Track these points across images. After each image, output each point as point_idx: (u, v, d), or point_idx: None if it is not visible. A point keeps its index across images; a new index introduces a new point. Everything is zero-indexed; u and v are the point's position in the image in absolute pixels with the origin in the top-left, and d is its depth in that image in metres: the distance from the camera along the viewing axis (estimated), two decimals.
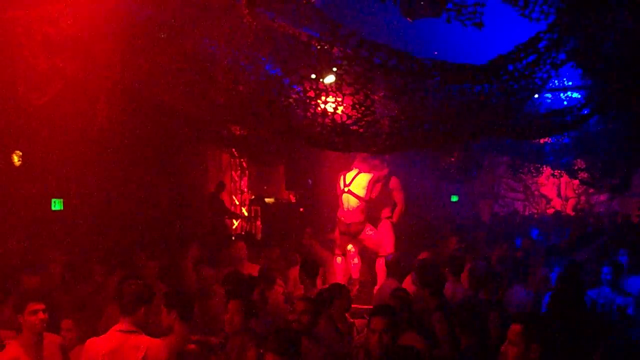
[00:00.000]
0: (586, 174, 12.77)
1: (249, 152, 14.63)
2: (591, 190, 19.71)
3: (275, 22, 5.91)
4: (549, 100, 8.55)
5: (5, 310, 6.35)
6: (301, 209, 15.97)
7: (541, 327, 4.34)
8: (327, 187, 11.50)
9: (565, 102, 8.38)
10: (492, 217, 18.59)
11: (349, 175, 10.09)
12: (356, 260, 10.03)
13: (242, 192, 17.44)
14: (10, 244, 9.09)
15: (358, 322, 7.44)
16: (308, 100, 6.46)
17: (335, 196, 10.36)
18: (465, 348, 5.12)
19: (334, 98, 6.43)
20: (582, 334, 5.39)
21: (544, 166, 13.23)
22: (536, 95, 7.51)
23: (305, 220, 14.14)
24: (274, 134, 8.86)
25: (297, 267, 8.15)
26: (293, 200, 16.97)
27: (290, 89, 6.42)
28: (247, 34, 5.97)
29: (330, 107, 6.57)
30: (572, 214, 19.17)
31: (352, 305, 7.15)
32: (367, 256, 10.20)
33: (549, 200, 21.15)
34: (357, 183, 9.94)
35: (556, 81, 8.21)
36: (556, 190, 21.01)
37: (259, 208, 16.75)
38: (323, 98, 6.42)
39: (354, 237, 9.96)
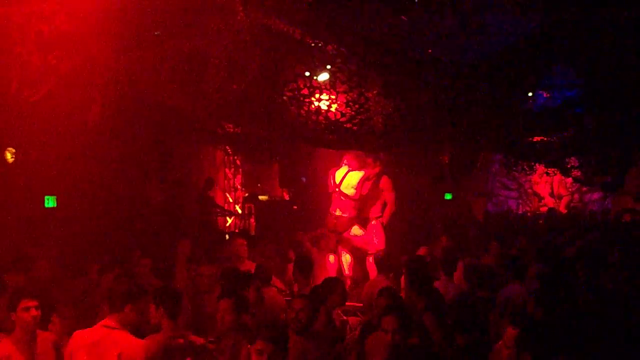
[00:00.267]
0: (579, 172, 12.78)
1: (243, 150, 14.62)
2: (584, 189, 19.74)
3: (270, 19, 5.90)
4: (542, 98, 8.56)
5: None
6: (295, 207, 15.97)
7: (535, 334, 4.37)
8: (321, 185, 11.49)
9: (559, 100, 8.40)
10: (485, 215, 18.58)
11: (339, 174, 10.04)
12: (348, 257, 10.03)
13: (236, 190, 17.42)
14: (3, 241, 9.05)
15: (351, 319, 7.45)
16: (302, 98, 6.48)
17: (328, 194, 10.34)
18: (460, 346, 5.13)
19: (328, 96, 6.45)
20: (571, 331, 5.40)
21: (537, 164, 13.23)
22: (530, 93, 7.53)
23: (299, 217, 14.15)
24: (267, 131, 8.86)
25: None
26: (287, 197, 16.97)
27: (284, 86, 6.42)
28: (241, 31, 5.97)
29: (324, 105, 6.58)
30: (565, 211, 19.20)
31: (346, 303, 7.15)
32: (359, 254, 10.19)
33: (541, 199, 21.17)
34: (347, 183, 9.90)
35: (550, 79, 8.22)
36: (549, 189, 21.03)
37: (252, 205, 16.73)
38: (317, 95, 6.43)
39: (340, 234, 9.95)
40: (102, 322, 4.88)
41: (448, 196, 20.40)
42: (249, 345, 4.33)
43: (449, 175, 13.95)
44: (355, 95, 6.38)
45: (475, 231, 12.89)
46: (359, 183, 9.84)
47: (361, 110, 6.52)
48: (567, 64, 6.84)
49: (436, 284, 7.32)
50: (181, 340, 4.37)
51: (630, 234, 11.64)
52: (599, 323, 5.58)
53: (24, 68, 6.66)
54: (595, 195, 19.95)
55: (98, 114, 7.61)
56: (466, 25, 6.05)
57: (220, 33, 6.20)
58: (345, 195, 9.84)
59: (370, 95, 6.49)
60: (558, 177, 18.30)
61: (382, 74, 6.34)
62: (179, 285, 7.44)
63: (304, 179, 15.63)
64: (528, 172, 14.25)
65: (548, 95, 8.47)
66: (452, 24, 6.17)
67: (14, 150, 9.94)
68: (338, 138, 7.17)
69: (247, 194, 17.14)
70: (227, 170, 17.35)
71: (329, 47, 6.09)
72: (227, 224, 16.85)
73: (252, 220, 16.68)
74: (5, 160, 9.87)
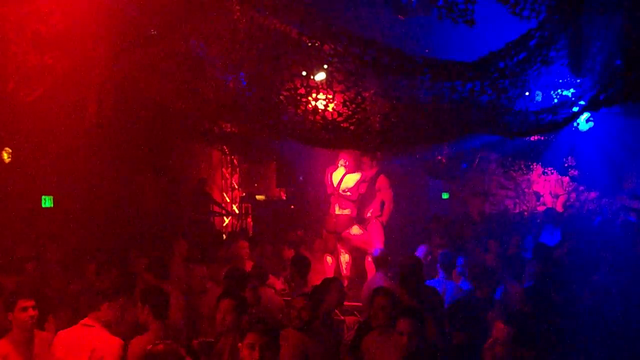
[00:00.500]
0: (576, 172, 12.81)
1: (240, 149, 14.61)
2: (581, 188, 19.76)
3: (266, 19, 5.90)
4: (539, 98, 8.55)
5: None
6: (292, 206, 15.96)
7: (530, 332, 4.38)
8: (318, 184, 11.48)
9: (555, 100, 8.39)
10: (480, 215, 18.56)
11: (336, 176, 10.01)
12: (347, 257, 10.02)
13: (233, 189, 17.42)
14: (0, 241, 9.04)
15: (348, 319, 7.45)
16: (299, 98, 6.47)
17: (326, 194, 10.31)
18: (457, 346, 5.13)
19: (325, 95, 6.44)
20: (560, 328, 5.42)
21: (534, 163, 13.27)
22: (527, 93, 7.52)
23: (296, 217, 14.14)
24: (264, 131, 8.85)
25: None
26: (284, 197, 16.96)
27: (281, 85, 6.42)
28: (238, 30, 5.97)
29: (321, 105, 6.57)
30: (562, 210, 19.21)
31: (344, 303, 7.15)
32: (357, 254, 10.18)
33: (539, 197, 21.16)
34: (344, 186, 9.88)
35: (547, 78, 8.21)
36: (549, 187, 21.04)
37: (249, 205, 16.73)
38: (314, 95, 6.43)
39: (340, 234, 9.93)
40: (82, 320, 5.11)
41: (445, 195, 20.44)
42: (239, 344, 4.28)
43: (446, 175, 13.96)
44: (352, 95, 6.38)
45: (472, 230, 12.89)
46: (355, 185, 9.83)
47: (358, 109, 6.51)
48: (566, 63, 6.83)
49: (434, 282, 7.34)
50: (161, 347, 4.31)
51: (626, 232, 11.63)
52: (591, 320, 5.61)
53: (21, 67, 6.66)
54: (592, 195, 19.96)
55: (95, 114, 7.60)
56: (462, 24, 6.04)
57: (217, 33, 6.20)
58: (344, 197, 9.83)
59: (367, 94, 6.48)
60: (555, 176, 18.31)
61: (379, 74, 6.34)
62: (174, 285, 7.42)
63: (301, 179, 15.61)
64: (525, 172, 14.29)
65: (544, 95, 8.46)
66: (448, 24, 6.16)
67: (10, 150, 9.92)
68: (335, 137, 7.16)
69: (244, 194, 17.14)
70: (224, 169, 17.35)
71: (326, 47, 6.08)
72: (224, 224, 16.84)
73: (249, 219, 16.68)
74: (2, 160, 9.85)
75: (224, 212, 16.55)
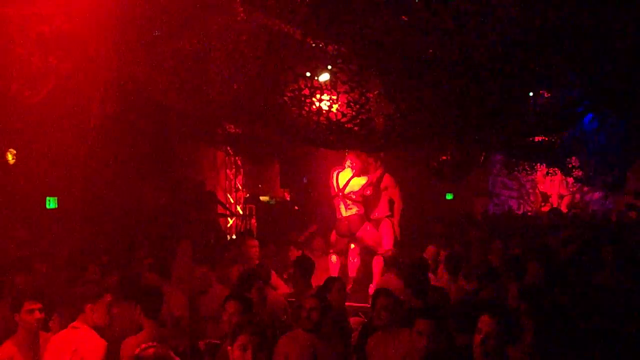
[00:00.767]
0: (580, 172, 12.77)
1: (244, 150, 14.61)
2: (585, 188, 19.73)
3: (270, 20, 5.90)
4: (543, 98, 8.54)
5: (1, 311, 6.33)
6: (296, 207, 15.96)
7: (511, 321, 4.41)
8: (323, 185, 11.43)
9: (560, 100, 8.37)
10: (483, 215, 18.53)
11: (342, 178, 9.93)
12: (355, 259, 9.95)
13: (237, 190, 17.42)
14: (4, 242, 9.06)
15: (353, 320, 7.43)
16: (303, 99, 6.46)
17: (330, 197, 10.22)
18: (461, 347, 5.12)
19: (329, 96, 6.44)
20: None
21: (538, 164, 13.23)
22: (531, 93, 7.51)
23: (300, 218, 14.14)
24: (268, 132, 8.84)
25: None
26: (288, 198, 16.96)
27: (285, 86, 6.41)
28: (242, 31, 5.97)
29: (325, 105, 6.57)
30: (566, 211, 19.18)
31: (347, 303, 7.13)
32: (365, 256, 10.13)
33: (546, 198, 21.12)
34: (350, 188, 9.81)
35: (551, 79, 8.20)
36: (553, 188, 21.01)
37: (253, 206, 16.73)
38: (318, 96, 6.43)
39: (355, 234, 9.84)
40: (72, 323, 5.15)
41: (449, 196, 20.43)
42: (228, 347, 4.21)
43: (450, 175, 13.91)
44: (356, 96, 6.37)
45: (476, 231, 12.86)
46: (361, 188, 9.75)
47: (362, 110, 6.50)
48: (569, 63, 6.82)
49: (439, 283, 7.33)
50: (151, 351, 4.28)
51: (632, 232, 11.60)
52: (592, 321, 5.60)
53: (25, 69, 6.67)
54: (597, 195, 19.94)
55: (99, 115, 7.61)
56: (466, 25, 6.04)
57: (220, 34, 6.20)
58: (350, 198, 9.75)
59: (371, 95, 6.48)
60: (559, 176, 18.27)
61: (383, 74, 6.33)
62: (176, 286, 7.41)
63: (305, 180, 15.61)
64: (529, 172, 14.25)
65: (549, 95, 8.45)
66: (452, 24, 6.15)
67: (15, 152, 9.93)
68: (339, 138, 7.16)
69: (248, 195, 17.14)
70: (228, 171, 17.34)
71: (330, 48, 6.09)
72: (228, 225, 16.85)
73: (253, 220, 16.68)
74: (6, 161, 9.87)
75: (227, 212, 16.55)
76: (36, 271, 7.59)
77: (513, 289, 6.19)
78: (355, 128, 6.78)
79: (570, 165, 12.58)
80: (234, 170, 17.36)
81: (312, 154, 12.56)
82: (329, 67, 6.35)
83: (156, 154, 12.42)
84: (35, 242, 9.23)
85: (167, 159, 13.32)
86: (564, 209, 19.59)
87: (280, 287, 8.25)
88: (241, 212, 17.11)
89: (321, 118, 6.67)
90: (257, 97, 6.72)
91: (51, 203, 10.80)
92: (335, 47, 6.04)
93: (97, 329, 5.18)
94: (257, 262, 8.45)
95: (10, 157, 9.92)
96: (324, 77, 6.50)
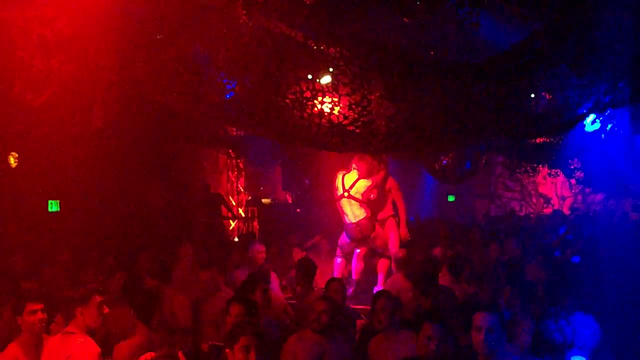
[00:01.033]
0: (582, 173, 12.78)
1: (246, 153, 14.63)
2: (587, 190, 19.74)
3: (271, 22, 5.90)
4: (545, 100, 8.53)
5: (4, 314, 6.34)
6: (298, 210, 15.96)
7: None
8: (324, 188, 11.40)
9: (561, 102, 8.36)
10: (484, 217, 18.53)
11: (349, 179, 9.84)
12: (360, 262, 9.91)
13: (239, 193, 17.44)
14: (6, 245, 9.06)
15: (357, 322, 7.42)
16: (304, 101, 6.46)
17: (333, 201, 10.12)
18: (463, 347, 5.13)
19: (331, 98, 6.43)
20: None
21: (540, 166, 13.24)
22: (532, 95, 7.50)
23: (302, 220, 14.13)
24: (270, 134, 8.83)
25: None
26: (290, 200, 16.97)
27: (287, 89, 6.41)
28: (243, 34, 5.97)
29: (326, 108, 6.56)
30: (568, 213, 19.18)
31: (351, 306, 7.13)
32: (367, 258, 10.10)
33: (547, 200, 21.13)
34: (355, 190, 9.74)
35: (552, 79, 8.19)
36: (554, 189, 21.02)
37: (255, 209, 16.73)
38: (319, 98, 6.42)
39: (366, 239, 9.75)
40: (66, 328, 5.13)
41: (451, 198, 20.45)
42: (227, 350, 4.21)
43: (451, 177, 13.89)
44: (358, 98, 6.37)
45: (477, 233, 12.86)
46: (366, 190, 9.68)
47: (364, 112, 6.50)
48: (570, 65, 6.82)
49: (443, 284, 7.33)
50: (148, 356, 4.29)
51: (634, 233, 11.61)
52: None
53: (27, 72, 6.68)
54: (599, 197, 19.93)
55: (101, 118, 7.62)
56: (467, 27, 6.05)
57: (222, 36, 6.20)
58: (356, 199, 9.68)
59: (372, 97, 6.48)
60: (561, 178, 18.28)
61: (384, 76, 6.33)
62: (178, 289, 7.40)
63: (307, 182, 15.61)
64: (531, 174, 14.26)
65: (550, 96, 8.44)
66: (454, 26, 6.16)
67: (17, 155, 9.95)
68: (341, 141, 7.15)
69: (250, 197, 17.14)
70: (230, 173, 17.36)
71: (331, 50, 6.09)
72: (231, 227, 16.86)
73: (255, 223, 16.69)
74: (8, 164, 9.89)
75: (230, 214, 16.56)
76: (43, 274, 7.61)
77: (507, 292, 6.23)
78: (357, 130, 6.77)
79: (572, 167, 12.59)
80: (236, 172, 17.38)
81: (314, 156, 12.58)
82: (331, 69, 6.34)
83: (158, 157, 12.43)
84: (37, 245, 9.24)
85: (170, 161, 13.33)
86: (566, 211, 19.59)
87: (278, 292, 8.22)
88: (243, 215, 17.12)
89: (323, 120, 6.66)
90: (258, 100, 6.72)
91: (53, 206, 10.82)
92: (337, 49, 6.04)
93: (91, 331, 5.18)
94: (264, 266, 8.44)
95: (12, 160, 9.94)
96: (326, 79, 6.50)
